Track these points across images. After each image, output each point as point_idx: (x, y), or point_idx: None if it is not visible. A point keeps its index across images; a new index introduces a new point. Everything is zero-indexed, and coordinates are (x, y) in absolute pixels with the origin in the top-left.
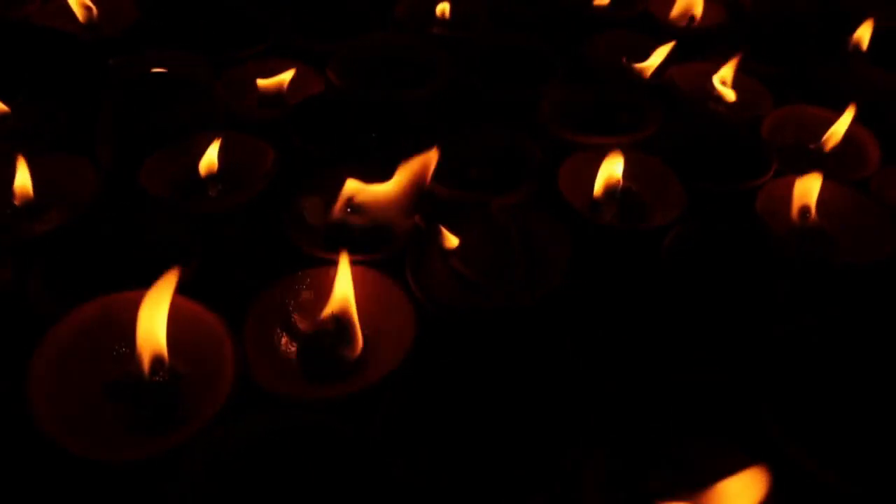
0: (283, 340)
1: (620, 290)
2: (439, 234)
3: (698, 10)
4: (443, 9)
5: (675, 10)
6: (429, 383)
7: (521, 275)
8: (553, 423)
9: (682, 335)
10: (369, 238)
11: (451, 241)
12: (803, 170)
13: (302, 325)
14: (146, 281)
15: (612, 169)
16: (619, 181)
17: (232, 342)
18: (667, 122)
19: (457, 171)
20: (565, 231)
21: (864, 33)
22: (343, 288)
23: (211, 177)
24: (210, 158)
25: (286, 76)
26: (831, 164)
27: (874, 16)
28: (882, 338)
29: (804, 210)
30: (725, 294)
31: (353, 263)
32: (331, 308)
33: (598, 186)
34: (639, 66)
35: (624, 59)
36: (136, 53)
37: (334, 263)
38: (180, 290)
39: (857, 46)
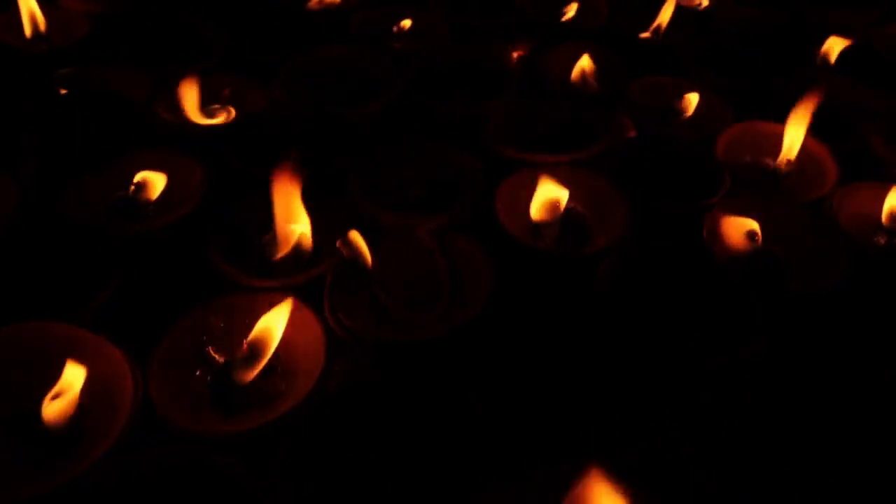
0: (198, 371)
1: (553, 318)
2: (361, 258)
3: (664, 21)
4: (401, 23)
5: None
6: (334, 420)
7: (442, 305)
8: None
9: (610, 368)
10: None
11: (374, 265)
12: (758, 189)
13: (217, 355)
14: (59, 307)
15: (550, 189)
16: (558, 202)
17: (133, 376)
18: (619, 138)
19: (397, 189)
20: (488, 259)
21: (832, 46)
22: (272, 321)
23: (140, 197)
24: (139, 178)
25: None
26: (789, 183)
27: (842, 29)
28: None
29: (753, 233)
30: (660, 325)
31: (272, 290)
32: (252, 335)
33: (536, 208)
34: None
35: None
36: (79, 67)
37: (259, 291)
38: (93, 316)
39: (825, 59)
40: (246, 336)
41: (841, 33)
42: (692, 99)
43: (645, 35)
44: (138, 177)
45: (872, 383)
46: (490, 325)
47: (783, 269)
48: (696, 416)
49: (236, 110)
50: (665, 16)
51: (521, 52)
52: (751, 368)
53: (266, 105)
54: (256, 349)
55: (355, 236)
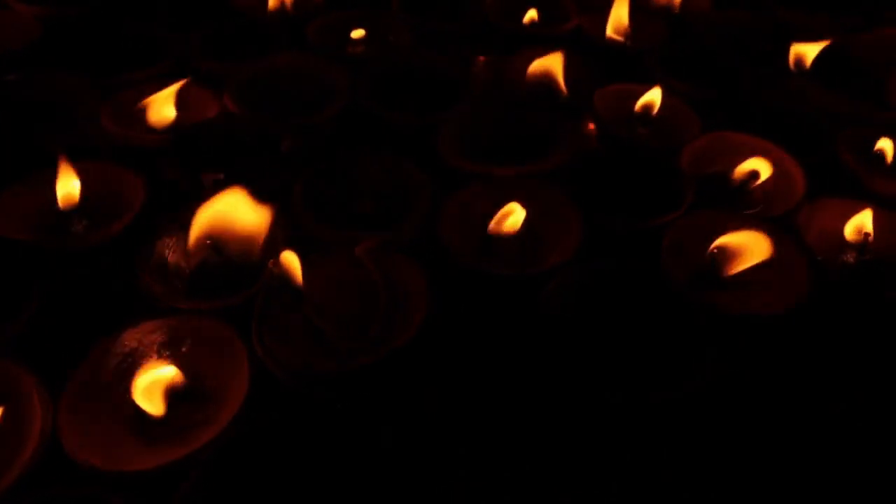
0: (116, 398)
1: (494, 344)
2: (292, 279)
3: (621, 19)
4: (360, 30)
5: (611, 27)
6: (254, 453)
7: (377, 328)
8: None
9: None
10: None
11: (307, 286)
12: (722, 204)
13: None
14: None
15: (499, 203)
16: (510, 217)
17: (42, 406)
18: (580, 148)
19: (343, 203)
20: (425, 280)
21: (806, 52)
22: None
23: (73, 210)
24: (71, 190)
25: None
26: (757, 197)
27: (818, 35)
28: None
29: (715, 252)
30: (603, 355)
31: (198, 313)
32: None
33: (485, 224)
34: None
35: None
36: (24, 73)
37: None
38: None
39: (800, 66)
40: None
41: (816, 38)
42: (654, 101)
43: (611, 36)
44: (59, 188)
45: (826, 417)
46: (424, 352)
47: (743, 291)
48: (638, 451)
49: (184, 120)
50: (620, 13)
51: (484, 59)
52: (697, 402)
53: (216, 115)
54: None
55: (287, 256)
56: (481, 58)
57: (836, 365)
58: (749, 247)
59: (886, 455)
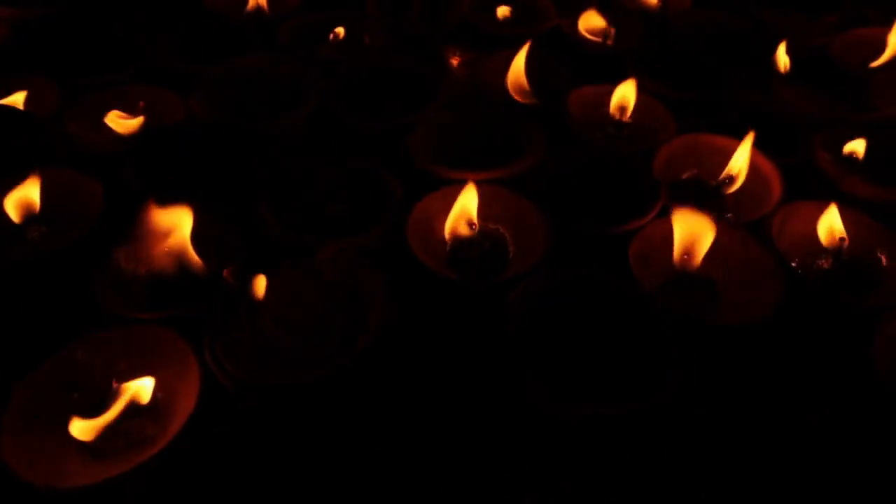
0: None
1: (458, 354)
2: (251, 288)
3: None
4: (336, 31)
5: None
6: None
7: (335, 340)
8: None
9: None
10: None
11: (265, 296)
12: (696, 208)
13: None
14: None
15: (465, 209)
16: (473, 223)
17: None
18: (551, 152)
19: (313, 207)
20: (386, 288)
21: (786, 51)
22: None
23: (30, 219)
24: (27, 198)
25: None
26: (732, 201)
27: (794, 35)
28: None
29: (686, 258)
30: (569, 365)
31: (152, 322)
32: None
33: (449, 229)
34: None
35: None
36: None
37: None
38: None
39: (779, 65)
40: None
41: (797, 40)
42: (628, 97)
43: (590, 37)
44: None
45: (801, 429)
46: (383, 362)
47: (715, 297)
48: (604, 464)
49: (150, 123)
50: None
51: (459, 60)
52: (666, 414)
53: (182, 118)
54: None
55: (244, 265)
56: (457, 59)
57: (811, 374)
58: (698, 232)
59: (861, 466)
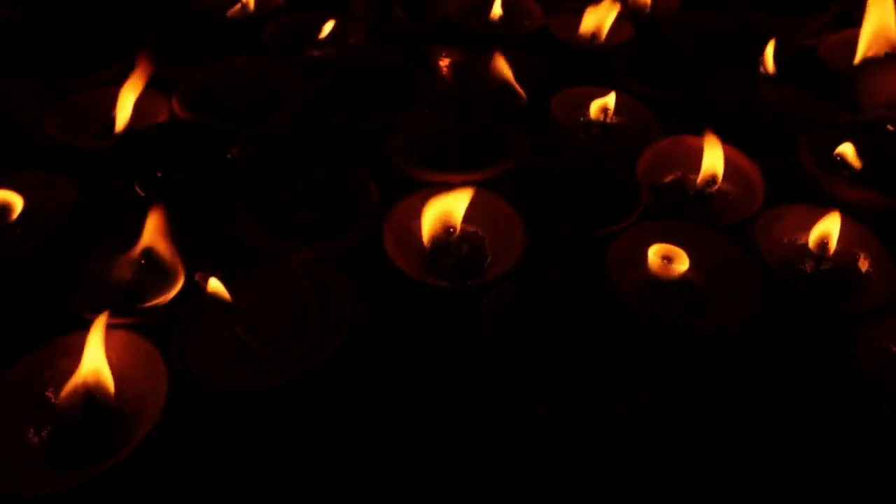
0: (32, 421)
1: (431, 361)
2: (220, 294)
3: (605, 27)
4: (324, 31)
5: (583, 28)
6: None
7: (306, 345)
8: None
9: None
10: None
11: (236, 300)
12: (679, 211)
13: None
14: None
15: (449, 213)
16: (453, 227)
17: None
18: (532, 154)
19: (291, 210)
20: (355, 293)
21: (774, 52)
22: (93, 357)
23: (7, 221)
24: (4, 199)
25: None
26: (716, 204)
27: (783, 36)
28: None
29: (666, 263)
30: (546, 372)
31: (113, 327)
32: (77, 380)
33: (427, 234)
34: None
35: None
36: None
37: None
38: None
39: (767, 66)
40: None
41: (785, 41)
42: (608, 106)
43: (582, 34)
44: None
45: (782, 436)
46: (351, 369)
47: (699, 303)
48: (585, 471)
49: (134, 125)
50: (607, 22)
51: (447, 61)
52: (646, 420)
53: (165, 120)
54: (94, 394)
55: (215, 270)
56: (444, 60)
57: (793, 379)
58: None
59: (844, 470)
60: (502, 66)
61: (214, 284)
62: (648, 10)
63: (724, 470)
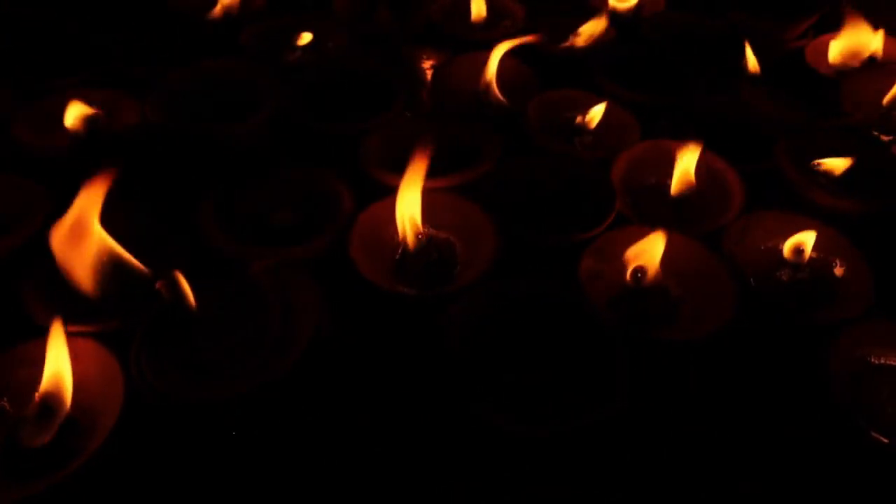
0: None
1: (395, 370)
2: (183, 301)
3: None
4: (305, 38)
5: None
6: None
7: (266, 354)
8: None
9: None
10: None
11: (196, 308)
12: (656, 217)
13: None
14: None
15: (410, 217)
16: (422, 233)
17: None
18: (508, 159)
19: (263, 215)
20: (320, 303)
21: (758, 56)
22: (54, 364)
23: None
24: None
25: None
26: (692, 209)
27: (768, 39)
28: None
29: (639, 272)
30: (510, 381)
31: (73, 335)
32: (43, 388)
33: (400, 238)
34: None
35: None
36: None
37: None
38: None
39: (752, 70)
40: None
41: (771, 44)
42: (594, 114)
43: (566, 44)
44: None
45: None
46: (314, 378)
47: (672, 312)
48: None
49: (104, 127)
50: (596, 28)
51: (428, 64)
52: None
53: (136, 123)
54: (50, 404)
55: (178, 276)
56: (424, 63)
57: (763, 390)
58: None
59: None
60: (488, 70)
61: (177, 291)
62: (633, 11)
63: (702, 478)
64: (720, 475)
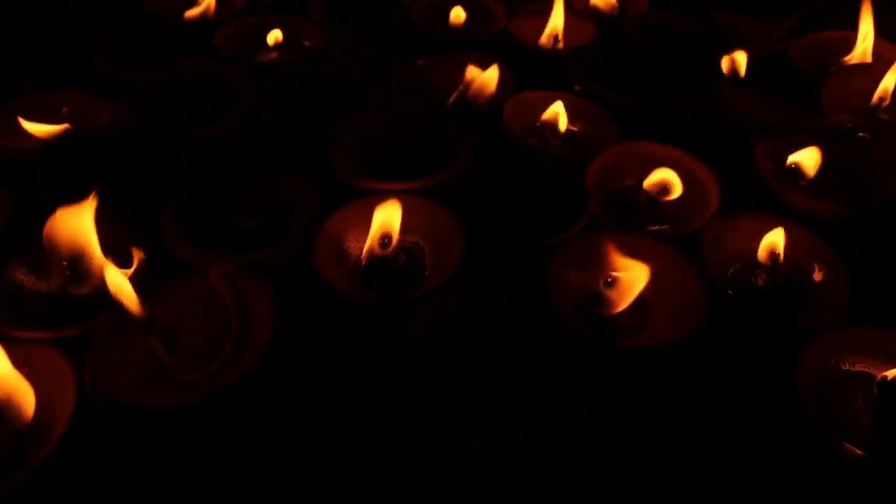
0: None
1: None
2: (128, 304)
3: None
4: (275, 36)
5: (545, 33)
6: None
7: (222, 362)
8: None
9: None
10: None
11: (151, 313)
12: (631, 220)
13: None
14: None
15: (385, 225)
16: (393, 239)
17: None
18: (479, 162)
19: (230, 219)
20: (275, 310)
21: (740, 57)
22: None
23: None
24: None
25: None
26: (667, 212)
27: (751, 40)
28: None
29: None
30: (472, 387)
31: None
32: None
33: (368, 245)
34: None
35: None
36: None
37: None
38: None
39: (734, 71)
40: None
41: (754, 44)
42: (551, 113)
43: (542, 42)
44: None
45: (708, 462)
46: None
47: (643, 317)
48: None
49: (70, 130)
50: (557, 21)
51: (405, 66)
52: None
53: (105, 125)
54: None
55: (123, 281)
56: (402, 64)
57: (735, 399)
58: (631, 280)
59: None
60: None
61: (127, 294)
62: (616, 11)
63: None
64: (692, 485)
